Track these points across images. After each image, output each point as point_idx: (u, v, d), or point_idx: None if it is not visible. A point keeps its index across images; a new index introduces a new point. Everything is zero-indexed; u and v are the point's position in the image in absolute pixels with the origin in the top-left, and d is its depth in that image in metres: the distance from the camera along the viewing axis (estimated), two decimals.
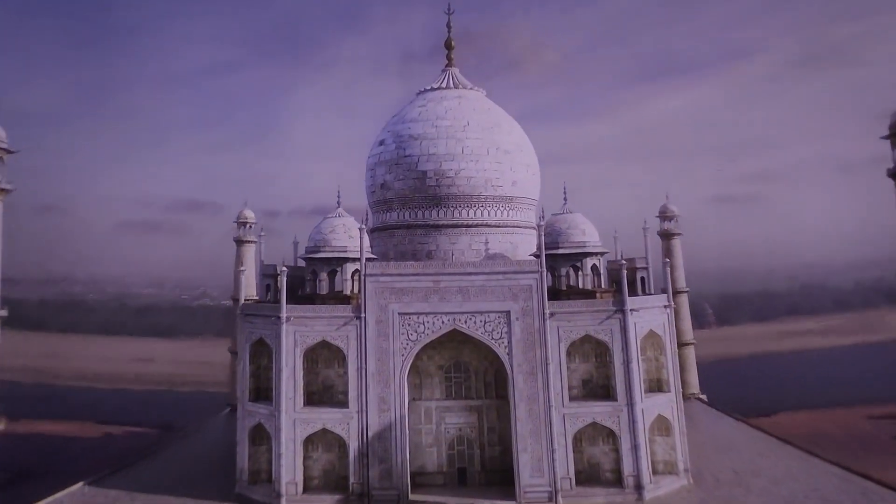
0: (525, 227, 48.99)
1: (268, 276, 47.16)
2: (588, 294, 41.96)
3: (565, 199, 45.36)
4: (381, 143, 49.70)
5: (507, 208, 47.90)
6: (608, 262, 51.66)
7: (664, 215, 67.30)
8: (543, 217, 57.28)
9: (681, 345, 55.43)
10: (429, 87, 51.79)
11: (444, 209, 46.91)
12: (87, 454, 62.45)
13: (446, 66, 53.97)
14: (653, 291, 47.34)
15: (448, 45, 54.33)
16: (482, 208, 47.14)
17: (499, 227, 47.41)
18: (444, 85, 51.76)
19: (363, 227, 41.29)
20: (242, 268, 43.35)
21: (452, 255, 46.48)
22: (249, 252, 64.34)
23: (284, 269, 40.76)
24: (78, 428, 73.92)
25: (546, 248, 41.30)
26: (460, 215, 46.86)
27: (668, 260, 42.98)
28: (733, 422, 58.70)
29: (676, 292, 57.95)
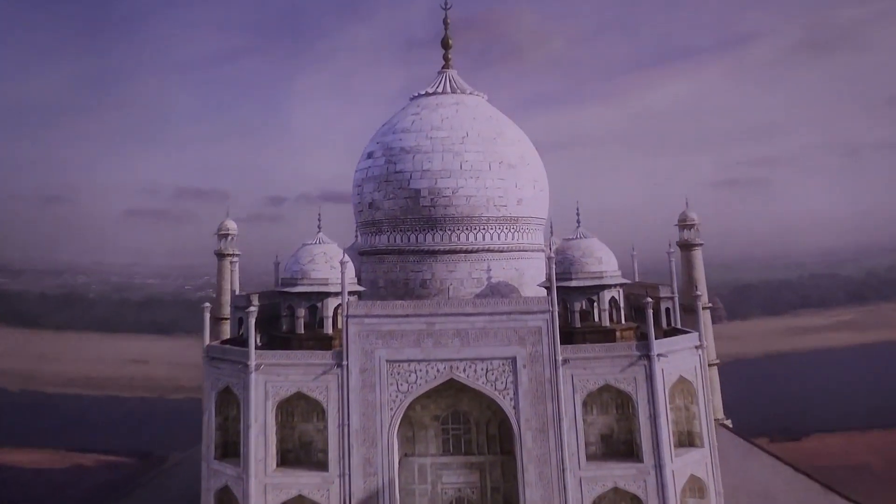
0: (532, 251, 43.22)
1: (240, 308, 41.63)
2: (607, 333, 36.22)
3: (578, 221, 39.58)
4: (370, 155, 43.88)
5: (512, 230, 42.06)
6: (633, 284, 46.34)
7: (683, 223, 61.28)
8: (553, 233, 51.78)
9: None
10: (423, 92, 45.84)
11: (441, 232, 41.07)
12: (50, 495, 57.16)
13: (443, 67, 47.96)
14: (679, 322, 41.70)
15: (445, 44, 48.31)
16: (483, 231, 41.28)
17: (502, 251, 41.59)
18: (440, 90, 45.72)
19: (346, 260, 35.56)
20: (207, 304, 37.53)
21: (450, 284, 40.77)
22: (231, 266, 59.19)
23: (253, 308, 35.12)
24: (47, 458, 68.52)
25: (557, 279, 35.61)
26: (458, 239, 41.02)
27: (699, 293, 37.12)
28: (767, 458, 52.79)
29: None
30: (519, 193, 41.89)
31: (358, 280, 43.62)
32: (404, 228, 41.63)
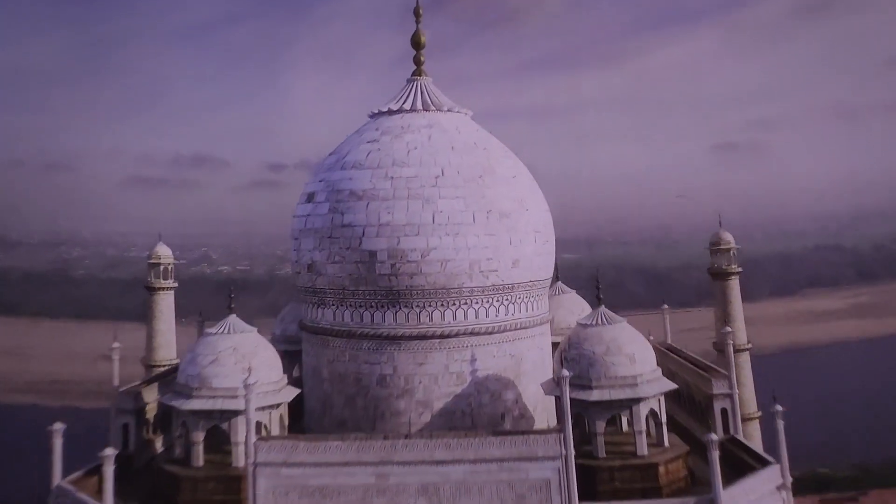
0: (533, 326, 31.59)
1: (125, 411, 30.07)
2: (646, 470, 24.68)
3: (599, 297, 28.05)
4: (309, 198, 32.01)
5: (505, 302, 30.31)
6: (663, 346, 35.63)
7: (716, 247, 49.65)
8: (559, 276, 40.53)
9: (744, 419, 38.41)
10: (385, 109, 33.96)
11: (406, 310, 29.23)
12: None
13: (414, 73, 36.06)
14: (739, 426, 30.29)
15: (416, 44, 36.42)
16: (465, 307, 29.46)
17: (491, 333, 29.85)
18: (407, 106, 33.69)
19: (250, 381, 23.72)
20: (57, 424, 25.52)
21: (420, 382, 29.08)
22: (166, 302, 47.66)
23: (111, 450, 23.28)
24: None
25: (571, 388, 24.20)
26: (430, 319, 29.21)
27: (779, 409, 25.46)
28: None
29: (736, 350, 41.27)
30: (514, 252, 30.12)
31: (294, 374, 32.29)
32: (355, 303, 29.82)
